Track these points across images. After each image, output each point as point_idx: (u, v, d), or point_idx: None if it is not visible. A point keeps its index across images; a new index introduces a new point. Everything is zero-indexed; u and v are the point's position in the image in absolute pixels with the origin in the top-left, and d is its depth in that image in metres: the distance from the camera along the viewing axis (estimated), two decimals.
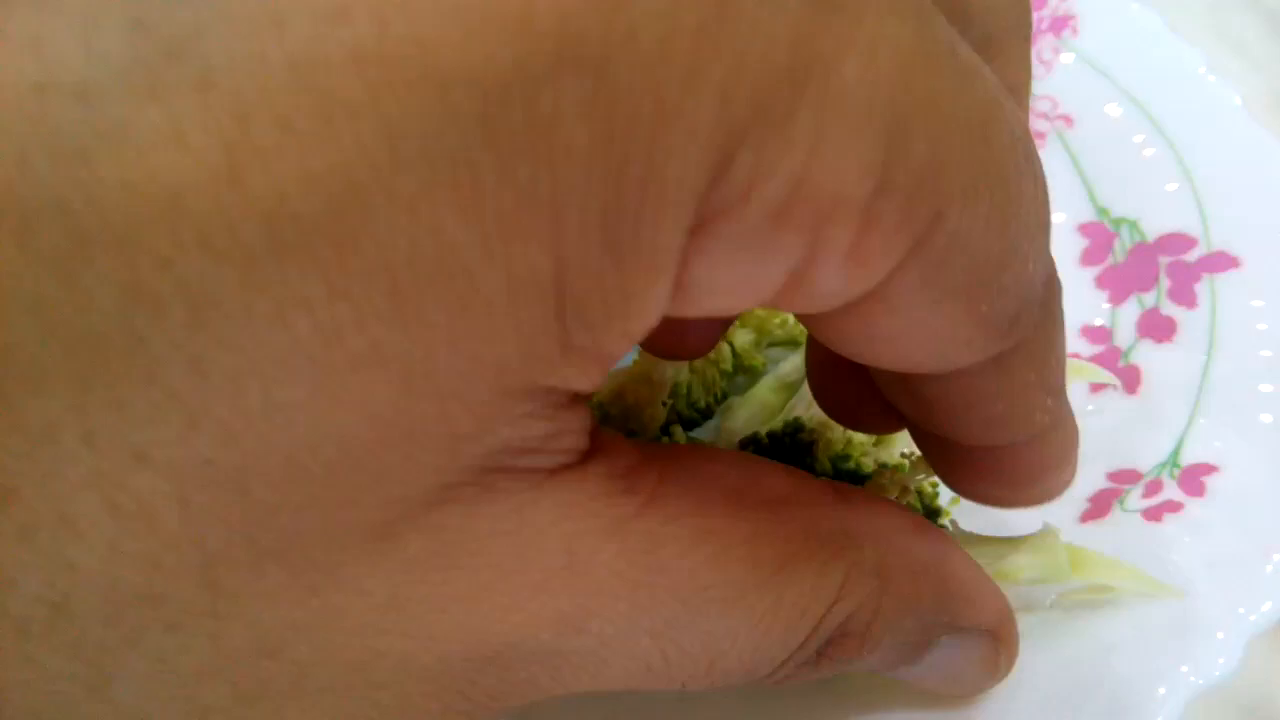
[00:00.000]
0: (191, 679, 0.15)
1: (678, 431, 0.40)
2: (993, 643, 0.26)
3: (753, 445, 0.38)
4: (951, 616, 0.24)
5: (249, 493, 0.14)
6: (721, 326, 0.28)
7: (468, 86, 0.13)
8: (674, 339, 0.28)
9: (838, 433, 0.39)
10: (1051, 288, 0.22)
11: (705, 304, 0.17)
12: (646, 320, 0.16)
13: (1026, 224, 0.19)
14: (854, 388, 0.27)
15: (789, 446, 0.38)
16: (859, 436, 0.39)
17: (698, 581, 0.19)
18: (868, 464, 0.38)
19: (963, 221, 0.17)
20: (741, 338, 0.42)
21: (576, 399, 0.17)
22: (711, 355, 0.41)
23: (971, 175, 0.17)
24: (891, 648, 0.23)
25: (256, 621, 0.15)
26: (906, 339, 0.19)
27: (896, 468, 0.38)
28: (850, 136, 0.15)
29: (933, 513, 0.38)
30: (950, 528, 0.37)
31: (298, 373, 0.14)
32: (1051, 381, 0.23)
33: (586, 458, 0.18)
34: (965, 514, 0.40)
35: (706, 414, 0.41)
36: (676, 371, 0.39)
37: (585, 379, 0.16)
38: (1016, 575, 0.37)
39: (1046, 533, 0.36)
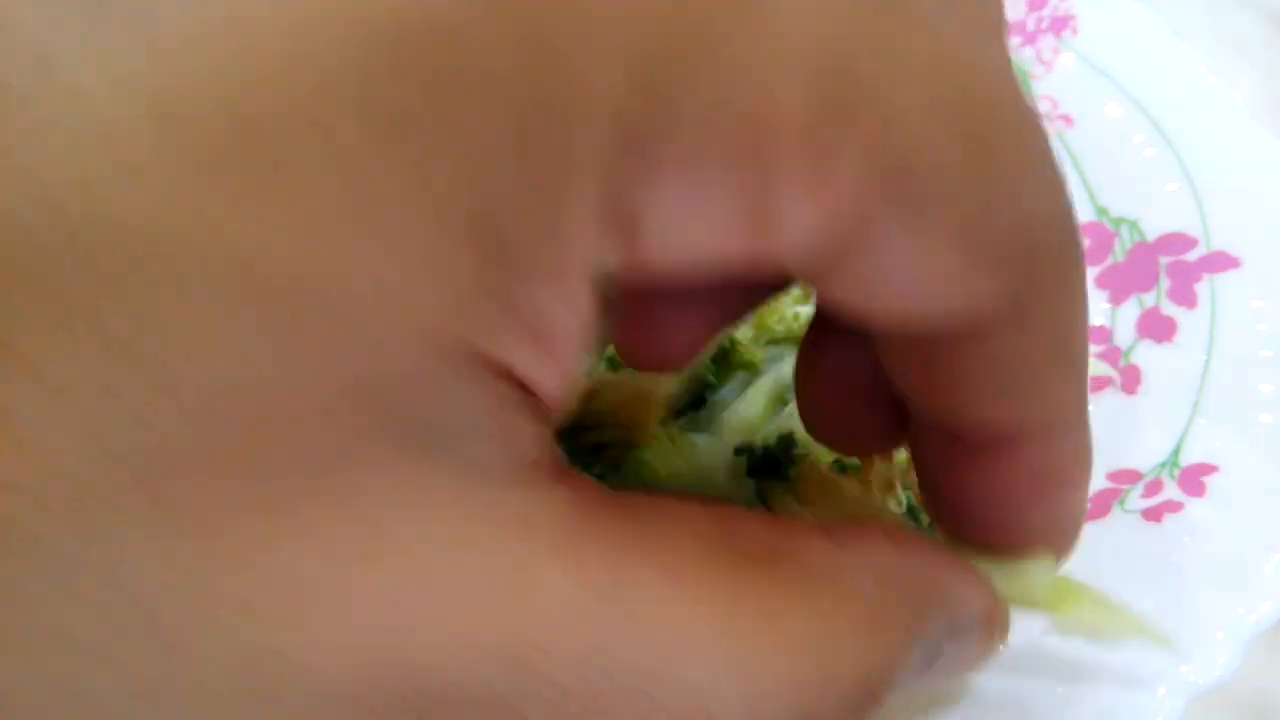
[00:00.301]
0: (41, 629, 0.13)
1: (669, 424, 0.40)
2: (986, 627, 0.25)
3: (747, 454, 0.38)
4: (950, 620, 0.23)
5: (144, 428, 0.13)
6: (706, 330, 0.27)
7: (377, 14, 0.13)
8: (654, 344, 0.26)
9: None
10: (1067, 231, 0.20)
11: (662, 251, 0.16)
12: (583, 265, 0.15)
13: (1014, 153, 0.18)
14: (847, 401, 0.26)
15: (781, 460, 0.38)
16: None
17: (674, 628, 0.16)
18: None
19: (930, 149, 0.16)
20: (741, 332, 0.42)
21: (526, 395, 0.15)
22: None
23: (931, 100, 0.16)
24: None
25: (129, 574, 0.13)
26: (904, 280, 0.18)
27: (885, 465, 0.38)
28: (784, 59, 0.15)
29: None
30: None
31: (208, 301, 0.13)
32: (1074, 354, 0.21)
33: (548, 480, 0.16)
34: None
35: (696, 404, 0.41)
36: (671, 383, 0.39)
37: (529, 357, 0.15)
38: None
39: (1039, 560, 0.33)
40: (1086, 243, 0.47)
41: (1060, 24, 0.50)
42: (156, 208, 0.12)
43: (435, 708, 0.14)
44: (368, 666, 0.14)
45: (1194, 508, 0.37)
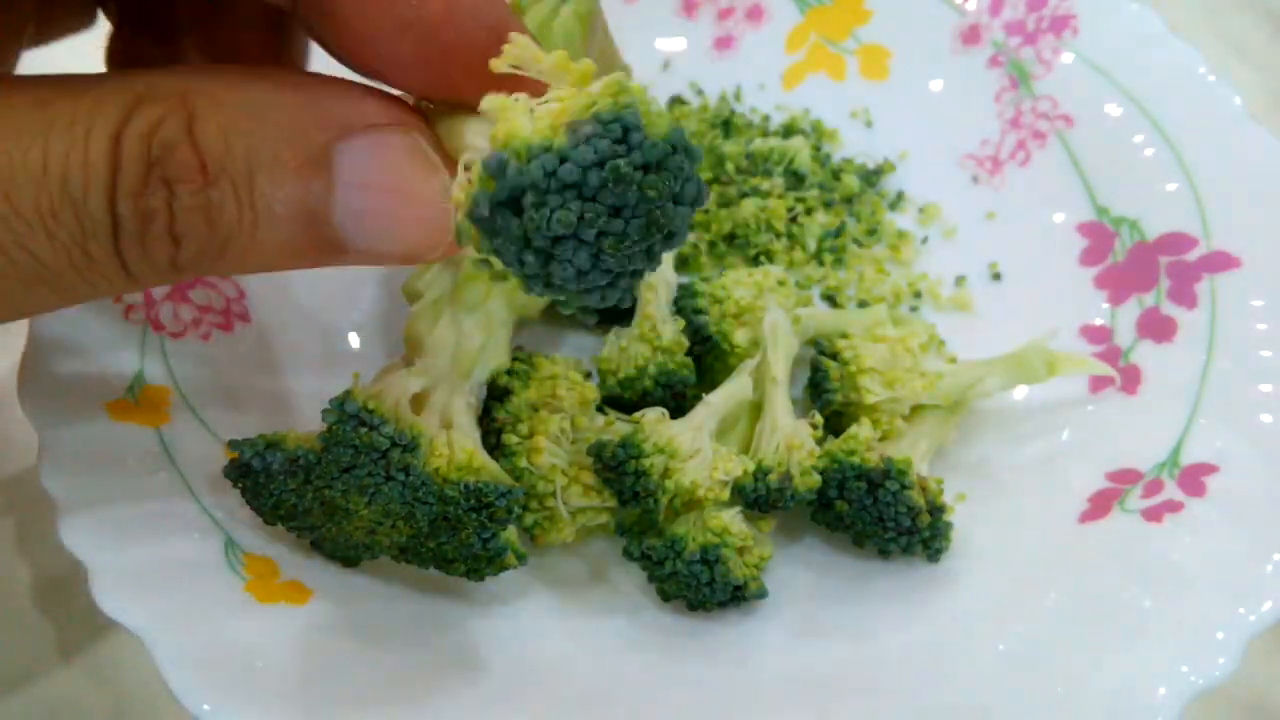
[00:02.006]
0: None
1: (610, 412, 0.40)
2: (403, 134, 0.26)
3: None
4: (325, 121, 0.25)
5: None
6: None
7: None
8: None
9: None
10: None
11: None
12: None
13: None
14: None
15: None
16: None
17: None
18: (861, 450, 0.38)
19: None
20: (741, 336, 0.42)
21: None
22: (637, 332, 0.41)
23: None
24: (271, 171, 0.25)
25: None
26: None
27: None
28: None
29: (937, 509, 0.39)
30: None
31: None
32: None
33: None
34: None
35: (641, 399, 0.41)
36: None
37: None
38: (987, 390, 0.41)
39: (1029, 345, 0.41)
40: (1086, 243, 0.47)
41: (1060, 24, 0.50)
42: None
43: None
44: None
45: (1194, 508, 0.37)
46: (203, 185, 0.24)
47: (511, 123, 0.24)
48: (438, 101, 0.28)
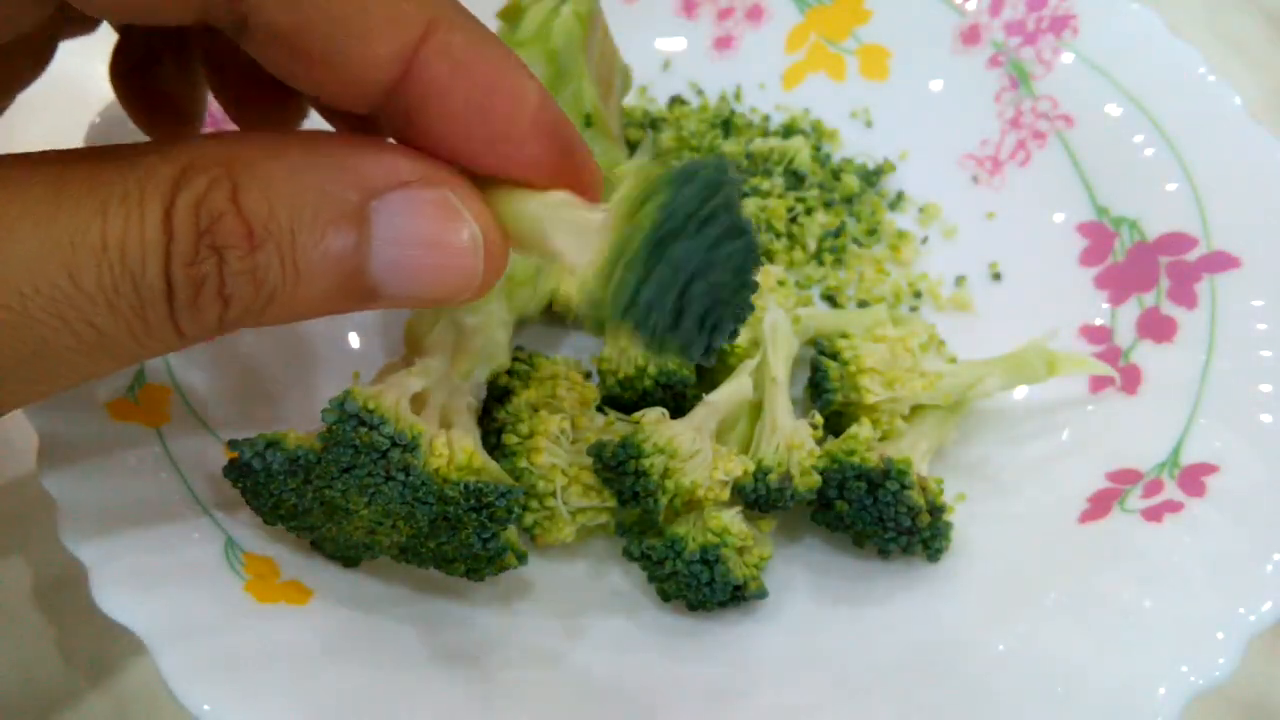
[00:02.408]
0: None
1: (610, 412, 0.40)
2: (435, 190, 0.28)
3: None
4: (360, 181, 0.27)
5: None
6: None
7: None
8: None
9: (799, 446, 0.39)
10: None
11: None
12: None
13: None
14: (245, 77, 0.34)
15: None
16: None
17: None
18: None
19: None
20: (741, 336, 0.42)
21: None
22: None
23: None
24: (311, 231, 0.26)
25: None
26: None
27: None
28: None
29: (937, 509, 0.39)
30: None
31: None
32: None
33: None
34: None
35: (641, 399, 0.41)
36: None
37: None
38: (987, 390, 0.41)
39: (1029, 345, 0.42)
40: (1086, 243, 0.47)
41: (1060, 24, 0.50)
42: None
43: None
44: None
45: (1194, 508, 0.37)
46: (250, 250, 0.26)
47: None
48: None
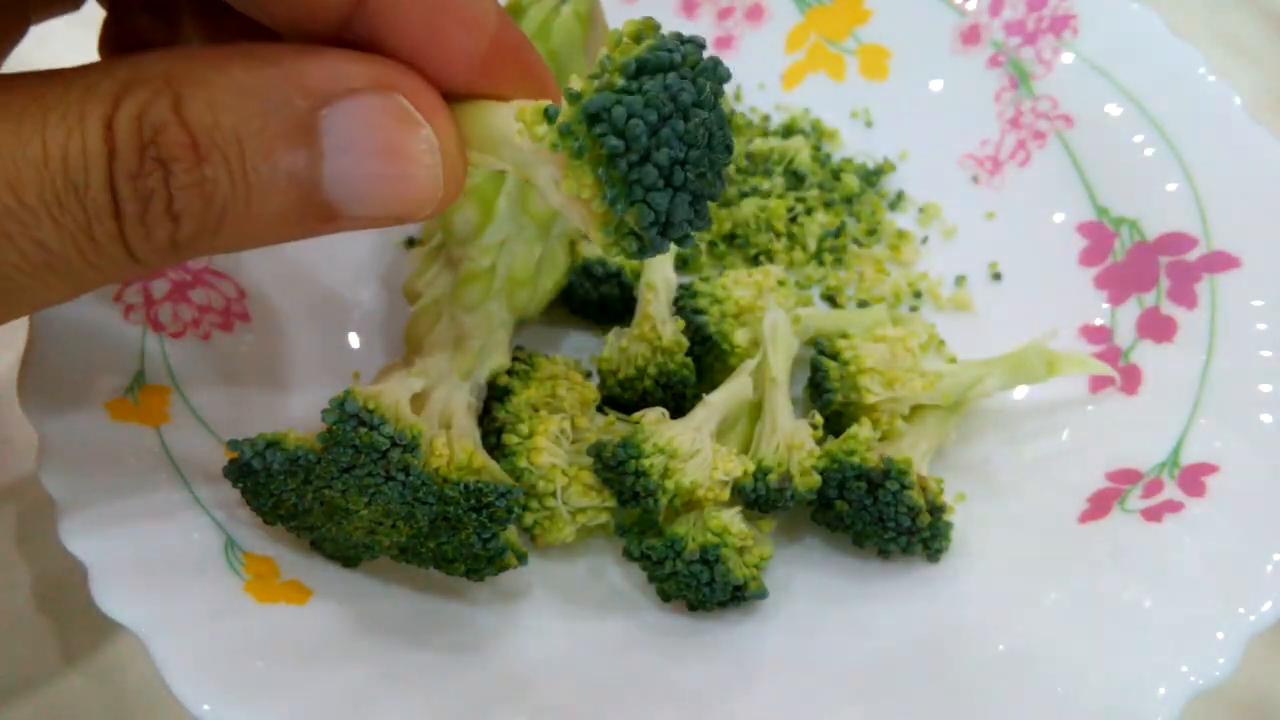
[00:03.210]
0: None
1: (610, 412, 0.40)
2: (387, 96, 0.27)
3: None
4: (307, 88, 0.26)
5: None
6: None
7: None
8: None
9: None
10: None
11: None
12: None
13: None
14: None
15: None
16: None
17: None
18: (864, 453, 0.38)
19: None
20: (741, 336, 0.42)
21: None
22: (637, 332, 0.42)
23: None
24: (260, 141, 0.26)
25: None
26: None
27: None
28: None
29: (937, 509, 0.39)
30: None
31: None
32: None
33: None
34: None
35: (641, 399, 0.41)
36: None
37: None
38: (987, 390, 0.41)
39: (1029, 345, 0.42)
40: (1086, 243, 0.47)
41: (1060, 24, 0.50)
42: None
43: None
44: None
45: (1194, 508, 0.37)
46: (196, 162, 0.25)
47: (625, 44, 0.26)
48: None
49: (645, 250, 0.26)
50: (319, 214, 0.27)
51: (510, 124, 0.28)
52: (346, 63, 0.27)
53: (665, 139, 0.25)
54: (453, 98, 0.29)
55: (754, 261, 0.49)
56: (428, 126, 0.27)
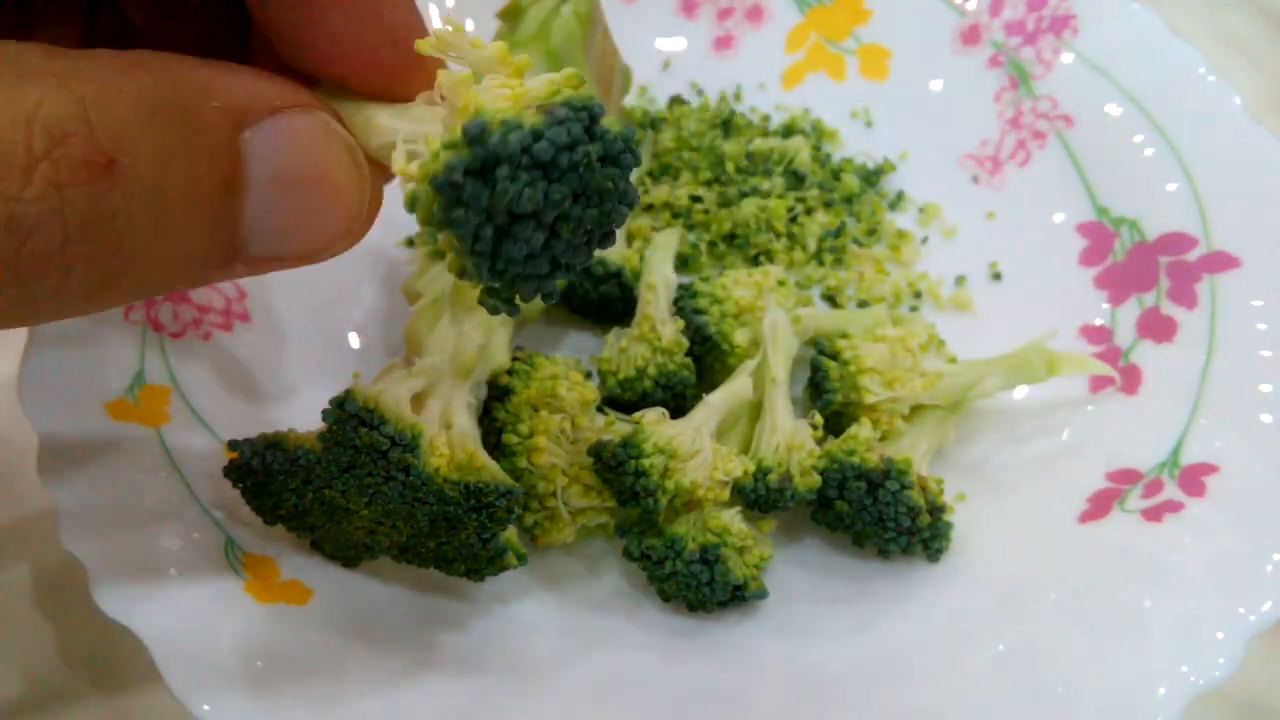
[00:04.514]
0: None
1: (610, 412, 0.40)
2: (312, 115, 0.24)
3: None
4: (228, 106, 0.22)
5: None
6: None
7: None
8: None
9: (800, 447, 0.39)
10: None
11: None
12: None
13: None
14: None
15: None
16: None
17: None
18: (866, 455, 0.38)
19: None
20: (741, 336, 0.42)
21: None
22: (637, 332, 0.42)
23: None
24: (185, 167, 0.21)
25: None
26: None
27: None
28: None
29: (937, 509, 0.39)
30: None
31: None
32: None
33: None
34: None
35: (641, 399, 0.41)
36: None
37: None
38: (986, 390, 0.41)
39: (1029, 345, 0.42)
40: (1086, 243, 0.47)
41: (1060, 24, 0.50)
42: None
43: None
44: None
45: (1194, 508, 0.37)
46: (108, 189, 0.19)
47: (480, 98, 0.24)
48: (336, 88, 0.26)
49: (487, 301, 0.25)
50: (228, 252, 0.23)
51: (392, 126, 0.25)
52: (259, 79, 0.23)
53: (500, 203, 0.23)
54: (329, 93, 0.26)
55: (754, 261, 0.49)
56: (357, 149, 0.24)
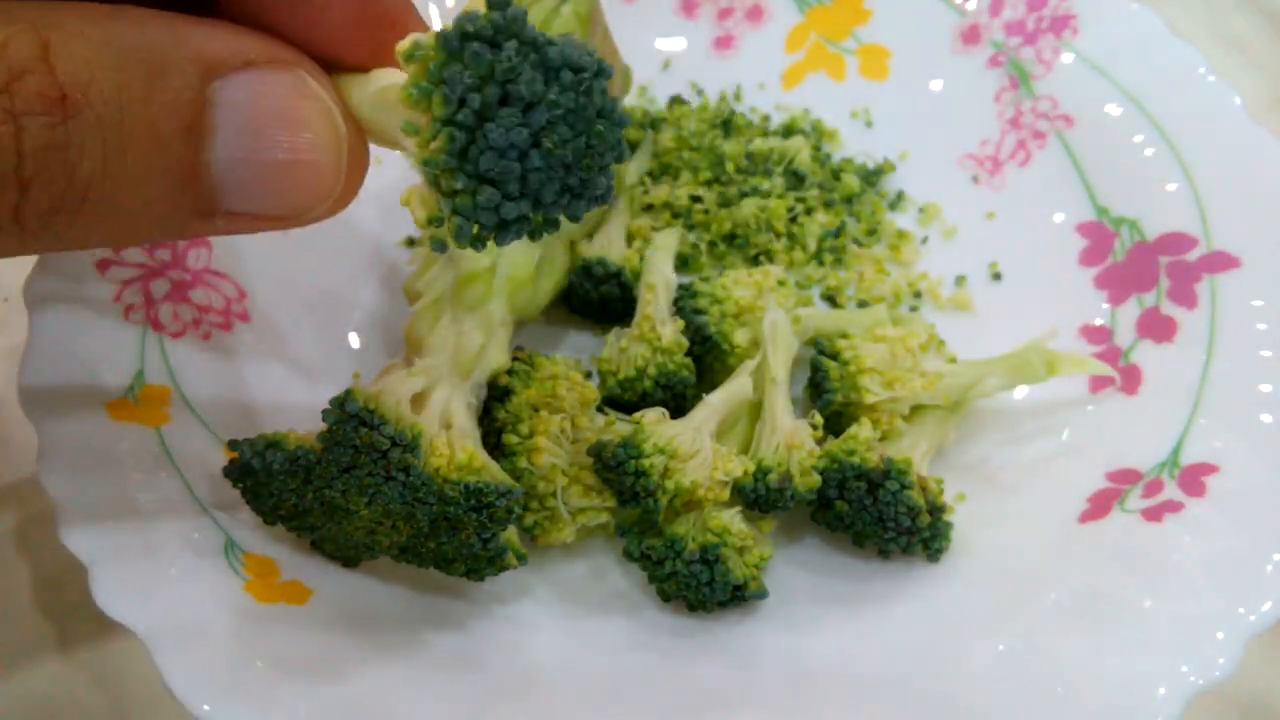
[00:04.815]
0: None
1: (610, 412, 0.40)
2: (288, 71, 0.24)
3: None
4: (199, 55, 0.22)
5: None
6: None
7: None
8: None
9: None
10: None
11: None
12: None
13: None
14: None
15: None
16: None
17: None
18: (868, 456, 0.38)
19: None
20: (741, 336, 0.42)
21: None
22: (637, 333, 0.42)
23: None
24: (144, 106, 0.21)
25: None
26: None
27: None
28: None
29: (937, 509, 0.39)
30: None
31: None
32: None
33: None
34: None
35: (641, 399, 0.41)
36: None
37: None
38: (987, 390, 0.41)
39: (1029, 345, 0.42)
40: (1086, 243, 0.47)
41: (1060, 24, 0.50)
42: None
43: None
44: None
45: (1194, 508, 0.37)
46: (60, 120, 0.21)
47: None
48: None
49: (482, 233, 0.24)
50: (197, 204, 0.23)
51: (373, 100, 0.25)
52: (240, 34, 0.24)
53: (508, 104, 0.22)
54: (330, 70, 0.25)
55: (754, 261, 0.49)
56: (335, 107, 0.24)
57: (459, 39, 0.22)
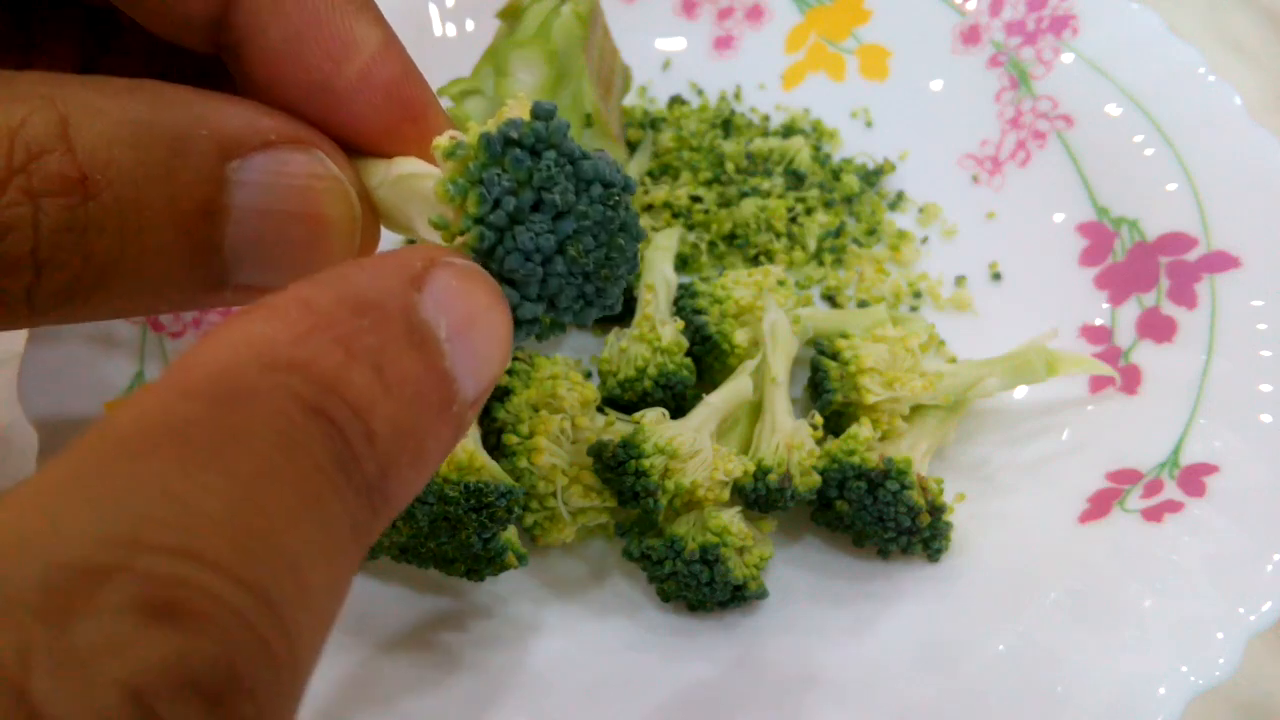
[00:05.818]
0: None
1: (610, 413, 0.40)
2: (305, 152, 0.24)
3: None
4: (217, 133, 0.23)
5: None
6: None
7: None
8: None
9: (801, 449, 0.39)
10: None
11: None
12: None
13: None
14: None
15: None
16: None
17: None
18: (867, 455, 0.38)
19: None
20: (741, 336, 0.42)
21: None
22: (637, 333, 0.41)
23: None
24: (164, 185, 0.22)
25: None
26: None
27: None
28: None
29: (937, 509, 0.39)
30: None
31: None
32: None
33: None
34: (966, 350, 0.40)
35: (641, 399, 0.41)
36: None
37: None
38: (987, 390, 0.41)
39: (1029, 345, 0.42)
40: (1086, 243, 0.47)
41: (1060, 24, 0.50)
42: None
43: None
44: None
45: (1194, 508, 0.37)
46: (81, 201, 0.20)
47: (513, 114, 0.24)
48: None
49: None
50: (208, 278, 0.23)
51: (393, 187, 0.25)
52: (258, 113, 0.24)
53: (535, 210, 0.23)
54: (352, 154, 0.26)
55: (754, 261, 0.49)
56: (352, 189, 0.24)
57: (502, 143, 0.23)
